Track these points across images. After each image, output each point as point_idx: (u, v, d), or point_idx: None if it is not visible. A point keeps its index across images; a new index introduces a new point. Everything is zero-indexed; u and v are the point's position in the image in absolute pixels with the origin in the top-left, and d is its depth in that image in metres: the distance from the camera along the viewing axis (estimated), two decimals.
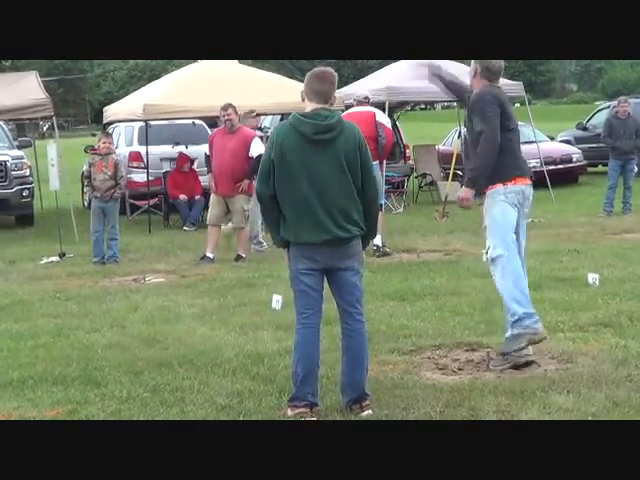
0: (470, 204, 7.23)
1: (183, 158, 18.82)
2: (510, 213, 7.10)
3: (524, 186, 7.17)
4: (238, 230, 13.33)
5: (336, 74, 6.04)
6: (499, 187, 7.05)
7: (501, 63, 7.15)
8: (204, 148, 21.18)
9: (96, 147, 14.09)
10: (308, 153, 5.88)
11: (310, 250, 5.96)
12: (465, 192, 7.19)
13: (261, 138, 18.26)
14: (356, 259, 6.08)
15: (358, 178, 5.97)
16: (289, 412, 6.05)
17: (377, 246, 12.94)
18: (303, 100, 6.02)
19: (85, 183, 14.11)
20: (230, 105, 13.18)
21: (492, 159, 6.97)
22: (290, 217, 5.97)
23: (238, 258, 13.14)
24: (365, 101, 13.82)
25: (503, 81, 24.74)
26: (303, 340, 6.06)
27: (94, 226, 13.54)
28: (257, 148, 13.08)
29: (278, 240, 6.15)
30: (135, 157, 19.86)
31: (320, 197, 5.89)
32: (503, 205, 7.07)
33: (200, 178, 18.13)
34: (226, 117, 13.14)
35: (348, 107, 15.18)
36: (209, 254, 13.14)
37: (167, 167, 19.60)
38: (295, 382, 6.08)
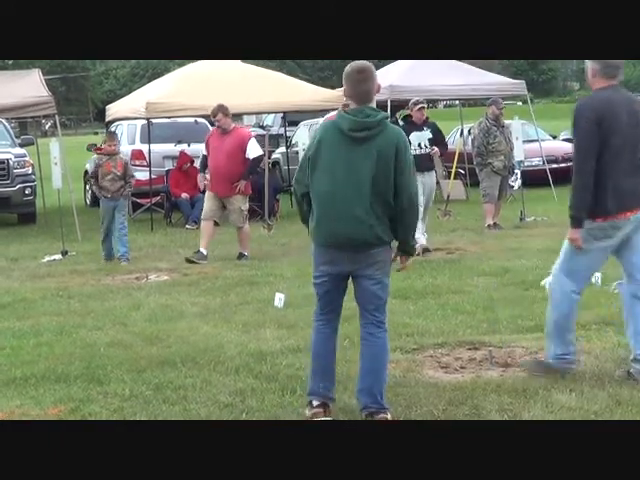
0: (580, 243, 6.57)
1: (183, 157, 18.82)
2: (589, 253, 6.61)
3: (622, 221, 6.56)
4: (238, 229, 13.21)
5: (371, 67, 5.81)
6: (588, 221, 6.52)
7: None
8: None
9: (101, 147, 14.02)
10: (342, 149, 5.74)
11: (329, 253, 5.86)
12: (571, 232, 6.58)
13: (263, 136, 18.29)
14: (378, 268, 5.90)
15: (390, 185, 5.73)
16: (307, 412, 6.02)
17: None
18: (346, 97, 5.93)
19: (91, 182, 14.01)
20: (219, 109, 12.92)
21: (585, 193, 6.42)
22: (317, 215, 5.84)
23: (241, 256, 13.05)
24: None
25: (505, 80, 24.81)
26: (315, 344, 6.08)
27: (106, 227, 13.46)
28: (254, 150, 12.99)
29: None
30: (137, 155, 19.86)
31: (345, 194, 5.72)
32: (585, 240, 6.56)
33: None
34: (217, 123, 13.04)
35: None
36: (203, 250, 12.96)
37: (169, 165, 19.62)
38: (309, 377, 6.13)
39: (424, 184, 13.11)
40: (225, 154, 12.86)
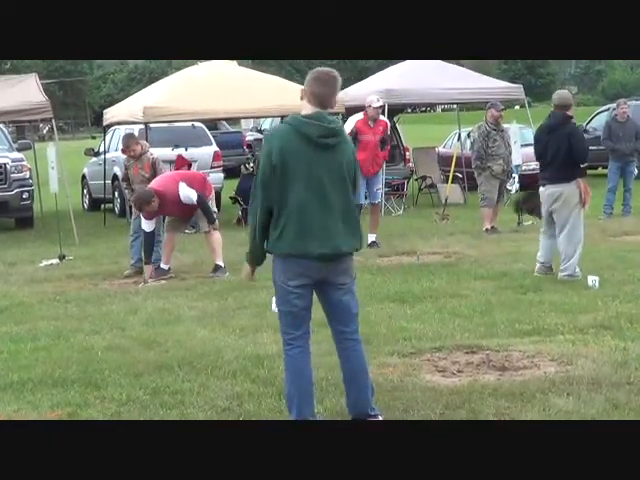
0: None
1: (181, 161, 18.79)
2: None
3: None
4: (205, 236, 12.29)
5: (340, 78, 5.69)
6: None
7: None
8: (204, 150, 21.30)
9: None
10: (311, 157, 5.55)
11: (303, 264, 5.61)
12: None
13: (260, 140, 18.24)
14: (348, 274, 5.76)
15: (352, 190, 5.71)
16: None
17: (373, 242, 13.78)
18: (302, 98, 5.69)
19: (124, 186, 13.65)
20: (144, 204, 11.77)
21: None
22: (289, 225, 5.58)
23: (216, 269, 12.03)
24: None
25: (503, 84, 24.80)
26: (294, 363, 5.80)
27: (135, 228, 12.74)
28: (190, 194, 11.84)
29: (260, 253, 5.78)
30: None
31: (321, 204, 5.57)
32: None
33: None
34: (145, 211, 11.90)
35: (349, 110, 15.16)
36: (163, 265, 12.21)
37: (167, 169, 19.59)
38: (290, 405, 5.81)
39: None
40: (174, 209, 11.97)
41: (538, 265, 10.82)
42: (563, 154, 10.54)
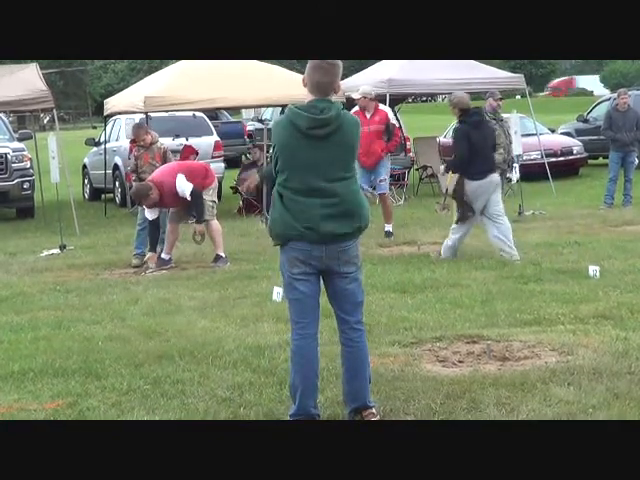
0: None
1: (188, 149, 18.76)
2: None
3: None
4: (206, 225, 12.13)
5: (341, 64, 5.70)
6: None
7: None
8: (205, 140, 21.30)
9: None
10: (305, 148, 5.56)
11: (304, 253, 5.64)
12: None
13: (261, 130, 18.23)
14: (354, 263, 5.75)
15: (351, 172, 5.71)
16: None
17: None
18: (305, 86, 5.70)
19: (133, 178, 13.54)
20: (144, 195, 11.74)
21: None
22: (291, 209, 5.62)
23: (217, 259, 12.06)
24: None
25: (504, 74, 24.74)
26: (300, 352, 5.76)
27: (142, 217, 12.57)
28: (184, 186, 11.69)
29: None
30: None
31: (317, 192, 5.57)
32: None
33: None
34: (144, 203, 11.94)
35: (349, 100, 15.14)
36: (165, 255, 12.15)
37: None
38: (294, 395, 5.79)
39: None
40: (172, 199, 11.83)
41: (516, 255, 11.29)
42: (493, 146, 12.09)
